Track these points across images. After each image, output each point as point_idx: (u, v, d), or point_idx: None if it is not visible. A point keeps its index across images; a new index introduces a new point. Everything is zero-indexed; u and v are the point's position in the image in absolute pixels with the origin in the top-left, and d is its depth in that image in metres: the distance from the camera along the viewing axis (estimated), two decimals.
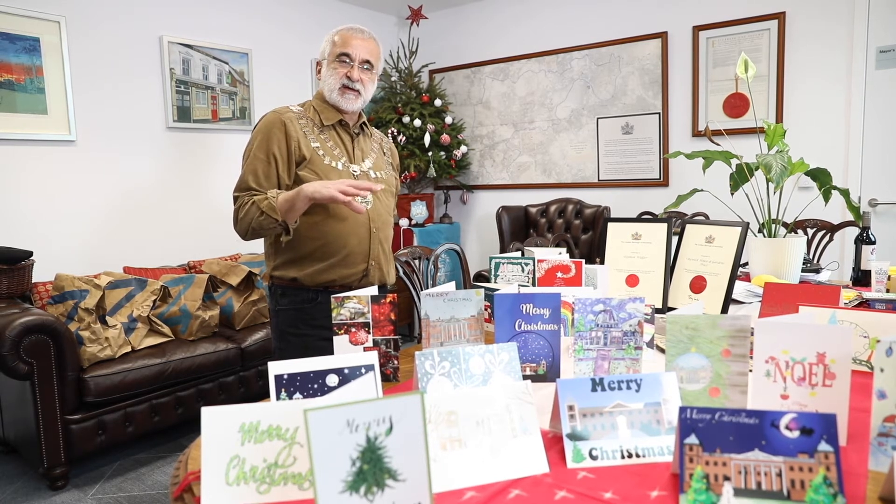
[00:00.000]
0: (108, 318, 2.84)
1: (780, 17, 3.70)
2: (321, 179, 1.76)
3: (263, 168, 1.75)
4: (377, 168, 1.92)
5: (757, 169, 2.10)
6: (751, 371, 1.05)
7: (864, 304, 1.74)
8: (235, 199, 1.77)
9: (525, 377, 1.28)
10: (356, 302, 1.37)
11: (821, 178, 2.17)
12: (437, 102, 4.76)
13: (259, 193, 1.73)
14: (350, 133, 1.89)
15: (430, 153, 4.64)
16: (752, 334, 1.05)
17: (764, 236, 2.17)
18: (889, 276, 2.00)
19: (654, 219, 1.93)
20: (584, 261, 1.77)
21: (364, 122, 1.94)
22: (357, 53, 1.81)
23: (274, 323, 1.90)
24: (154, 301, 3.00)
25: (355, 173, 1.84)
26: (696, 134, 4.07)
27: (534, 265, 1.82)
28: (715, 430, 0.82)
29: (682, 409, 0.83)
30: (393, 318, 1.38)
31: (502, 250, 4.47)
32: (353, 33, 1.83)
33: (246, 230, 1.75)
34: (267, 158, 1.75)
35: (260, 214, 1.69)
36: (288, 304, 1.84)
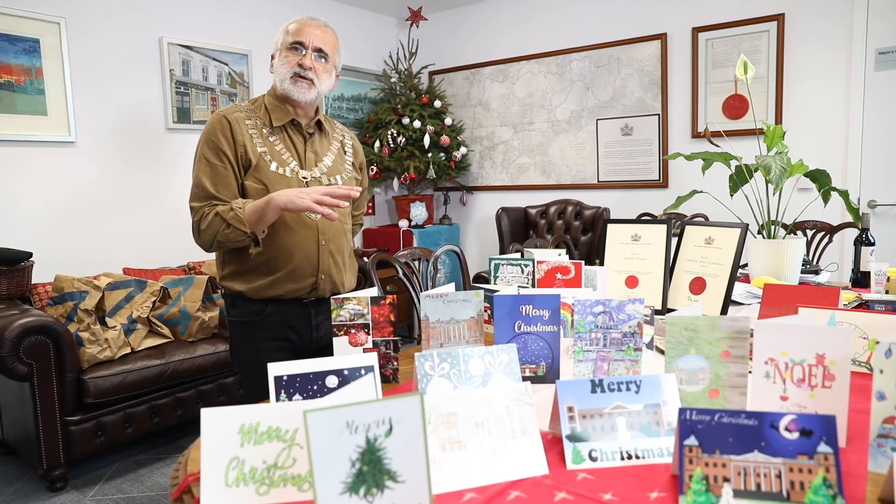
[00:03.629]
0: (107, 319, 2.84)
1: (779, 18, 3.70)
2: (267, 188, 1.66)
3: (217, 172, 1.65)
4: (332, 173, 1.80)
5: (756, 170, 2.10)
6: (750, 372, 1.05)
7: (864, 306, 1.74)
8: (193, 210, 1.65)
9: (524, 379, 1.28)
10: (356, 303, 1.38)
11: (820, 179, 2.17)
12: (437, 104, 4.76)
13: (220, 203, 1.63)
14: (303, 134, 1.77)
15: (429, 154, 4.64)
16: (752, 336, 1.06)
17: (763, 237, 2.18)
18: (888, 278, 2.00)
19: (654, 220, 1.93)
20: (583, 262, 1.78)
21: (320, 120, 1.82)
22: (310, 41, 1.70)
23: (229, 332, 1.84)
24: (154, 302, 3.00)
25: (305, 180, 1.72)
26: (696, 135, 4.07)
27: (533, 266, 1.82)
28: (714, 432, 0.82)
29: (682, 411, 0.84)
30: (392, 319, 1.38)
31: (502, 252, 4.47)
32: (308, 21, 1.73)
33: (210, 243, 1.64)
34: (219, 161, 1.65)
35: (226, 227, 1.59)
36: (238, 315, 1.76)
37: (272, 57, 1.78)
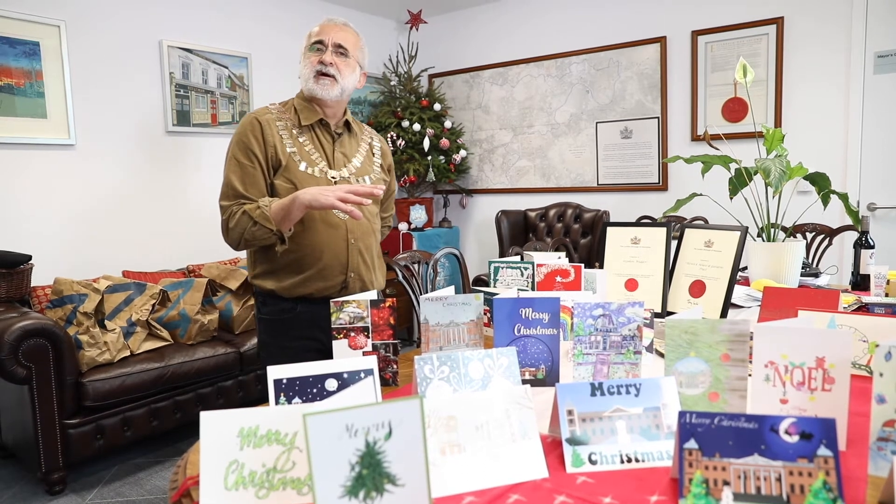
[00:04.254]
0: (106, 322, 2.84)
1: (778, 21, 3.71)
2: (296, 188, 1.69)
3: (246, 172, 1.69)
4: (361, 173, 1.83)
5: (756, 173, 2.10)
6: (750, 375, 1.05)
7: (864, 309, 1.74)
8: (223, 208, 1.70)
9: (524, 382, 1.28)
10: (355, 306, 1.37)
11: (819, 182, 2.17)
12: (437, 107, 4.77)
13: (248, 202, 1.67)
14: (331, 134, 1.81)
15: (429, 157, 4.65)
16: (752, 339, 1.06)
17: (763, 240, 2.18)
18: (888, 281, 2.00)
19: (654, 223, 1.93)
20: (583, 265, 1.78)
21: (349, 121, 1.86)
22: (329, 39, 1.75)
23: (258, 330, 1.88)
24: (153, 305, 3.00)
25: (333, 180, 1.76)
26: (695, 138, 4.08)
27: (533, 269, 1.82)
28: (714, 435, 0.82)
29: (682, 414, 0.83)
30: (392, 322, 1.38)
31: (501, 254, 4.47)
32: (327, 22, 1.79)
33: (238, 241, 1.68)
34: (249, 161, 1.69)
35: (252, 224, 1.63)
36: (268, 312, 1.80)
37: (300, 63, 1.84)
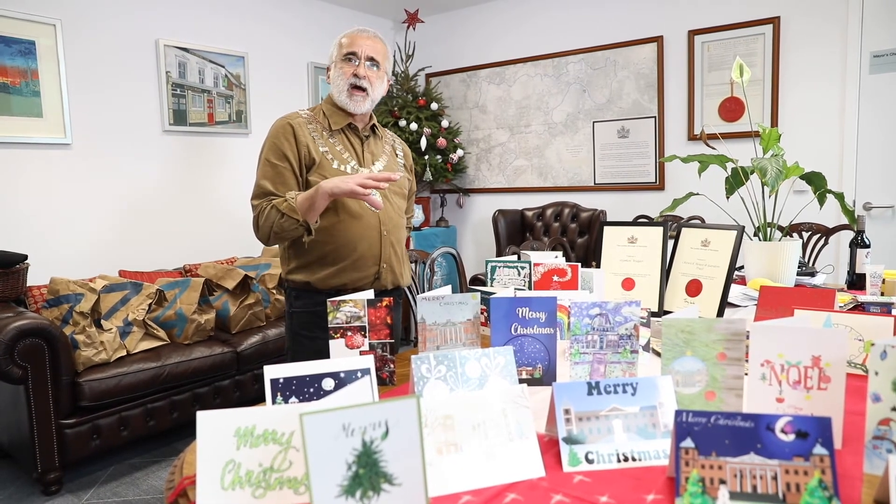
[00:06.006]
0: (103, 321, 2.83)
1: (774, 21, 3.72)
2: None
3: (278, 172, 1.77)
4: (388, 170, 1.93)
5: (752, 173, 2.11)
6: (746, 374, 1.05)
7: (859, 308, 1.75)
8: (254, 207, 1.79)
9: (521, 381, 1.28)
10: (352, 305, 1.37)
11: (815, 181, 2.18)
12: (434, 106, 4.76)
13: (277, 198, 1.75)
14: (360, 136, 1.90)
15: (426, 157, 4.64)
16: (748, 338, 1.06)
17: (759, 240, 2.18)
18: (883, 280, 2.01)
19: (650, 222, 1.94)
20: (580, 264, 1.78)
21: (374, 125, 1.96)
22: (362, 51, 1.83)
23: (288, 324, 1.93)
24: (149, 305, 2.99)
25: None
26: (692, 138, 4.08)
27: (530, 269, 1.82)
28: (710, 434, 0.82)
29: (678, 413, 0.84)
30: (389, 321, 1.38)
31: (499, 254, 4.48)
32: (359, 33, 1.86)
33: (268, 235, 1.76)
34: (280, 162, 1.77)
35: (280, 217, 1.70)
36: (301, 306, 1.86)
37: (328, 69, 1.92)
